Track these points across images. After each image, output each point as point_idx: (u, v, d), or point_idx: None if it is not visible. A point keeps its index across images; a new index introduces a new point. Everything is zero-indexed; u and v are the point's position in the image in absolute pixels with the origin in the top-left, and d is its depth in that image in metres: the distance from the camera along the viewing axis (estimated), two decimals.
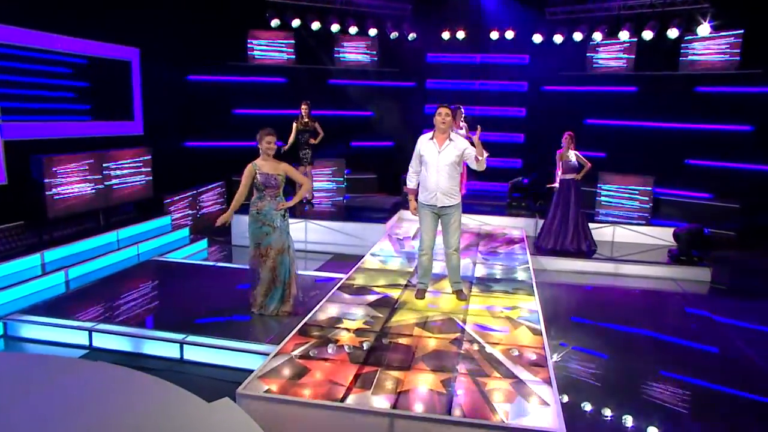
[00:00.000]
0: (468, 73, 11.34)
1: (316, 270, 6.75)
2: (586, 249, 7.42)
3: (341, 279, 5.79)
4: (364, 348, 4.18)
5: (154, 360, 4.52)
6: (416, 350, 4.15)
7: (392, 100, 11.12)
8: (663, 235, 8.23)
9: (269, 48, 10.92)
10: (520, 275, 6.08)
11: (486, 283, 5.74)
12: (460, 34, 10.80)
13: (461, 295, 5.16)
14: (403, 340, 4.30)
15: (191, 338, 4.58)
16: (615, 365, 4.56)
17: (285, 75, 10.85)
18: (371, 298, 5.20)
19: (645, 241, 8.29)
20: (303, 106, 8.76)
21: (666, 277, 7.12)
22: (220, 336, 4.54)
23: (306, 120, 8.77)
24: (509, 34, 10.60)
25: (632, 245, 8.12)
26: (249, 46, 10.77)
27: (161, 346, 4.59)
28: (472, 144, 4.68)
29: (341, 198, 10.00)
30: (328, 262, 7.36)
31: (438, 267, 5.85)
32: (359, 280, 5.72)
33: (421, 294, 5.20)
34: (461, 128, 8.14)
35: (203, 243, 8.12)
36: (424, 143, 4.66)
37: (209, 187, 9.83)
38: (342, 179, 10.17)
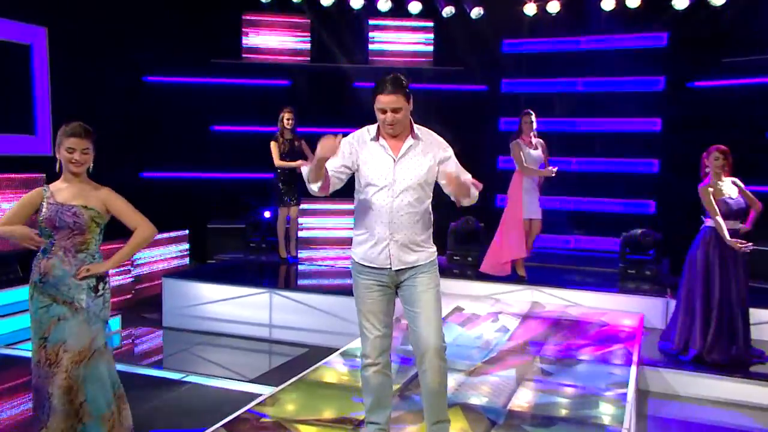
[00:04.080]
0: (566, 66, 10.06)
1: (253, 380, 5.61)
2: (748, 357, 5.82)
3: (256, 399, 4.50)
4: None
5: None
6: None
7: (448, 110, 10.00)
8: None
9: (270, 39, 10.31)
10: (606, 412, 4.33)
11: (525, 428, 4.06)
12: (553, 6, 9.66)
13: None
14: None
15: None
16: None
17: (289, 76, 10.30)
18: None
19: None
20: (285, 116, 7.89)
21: None
22: None
23: (290, 137, 7.89)
24: (633, 1, 9.30)
25: None
26: (243, 36, 10.20)
27: None
28: None
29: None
30: (295, 361, 6.33)
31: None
32: (288, 406, 4.35)
33: None
34: (533, 146, 7.16)
35: (114, 322, 7.07)
36: (365, 143, 3.49)
37: (165, 236, 8.97)
38: None
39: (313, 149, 3.18)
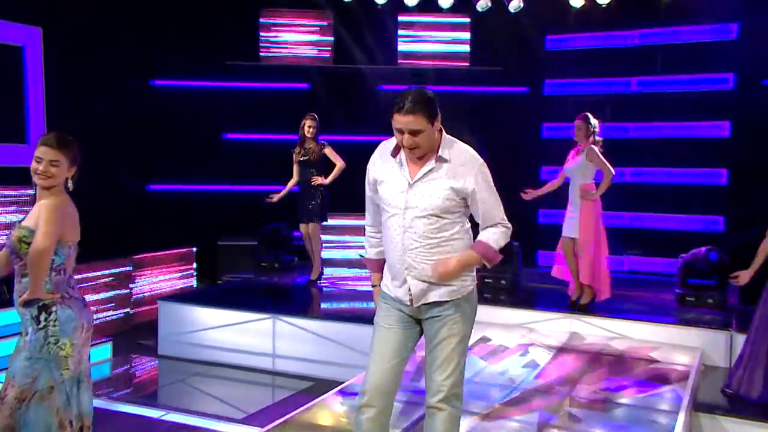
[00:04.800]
0: (618, 64, 9.95)
1: (244, 419, 5.53)
2: None
3: None
4: None
5: None
6: None
7: (485, 115, 10.09)
8: None
9: (289, 39, 10.40)
10: None
11: None
12: None
13: None
14: None
15: None
16: None
17: (309, 79, 10.40)
18: None
19: None
20: (307, 123, 7.90)
21: None
22: None
23: (310, 146, 7.88)
24: None
25: None
26: (260, 36, 10.30)
27: None
28: None
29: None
30: (298, 395, 6.26)
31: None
32: None
33: None
34: (576, 154, 7.03)
35: (105, 349, 7.07)
36: (383, 162, 3.42)
37: (166, 252, 9.00)
38: None
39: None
